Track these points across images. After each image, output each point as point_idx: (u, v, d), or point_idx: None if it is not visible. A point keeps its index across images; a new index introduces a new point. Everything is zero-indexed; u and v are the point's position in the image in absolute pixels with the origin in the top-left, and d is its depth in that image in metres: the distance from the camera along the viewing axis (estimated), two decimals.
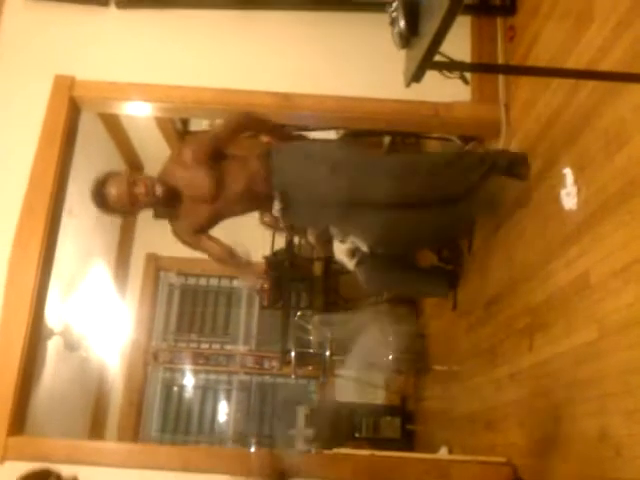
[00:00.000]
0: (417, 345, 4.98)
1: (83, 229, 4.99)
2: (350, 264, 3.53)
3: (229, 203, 3.01)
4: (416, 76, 1.89)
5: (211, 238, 3.08)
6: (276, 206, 2.98)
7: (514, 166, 3.08)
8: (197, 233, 3.03)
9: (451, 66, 1.98)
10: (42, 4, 3.70)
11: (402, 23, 1.83)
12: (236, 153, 3.11)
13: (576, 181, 2.55)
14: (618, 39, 2.31)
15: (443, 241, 3.72)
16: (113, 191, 2.86)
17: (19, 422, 3.14)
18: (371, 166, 3.13)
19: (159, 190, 2.90)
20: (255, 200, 3.07)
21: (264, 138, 4.58)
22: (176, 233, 3.06)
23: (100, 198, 2.89)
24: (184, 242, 3.08)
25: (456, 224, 3.34)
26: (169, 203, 2.98)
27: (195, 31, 3.69)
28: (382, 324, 3.63)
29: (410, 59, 1.94)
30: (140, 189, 2.88)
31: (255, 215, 4.26)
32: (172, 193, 2.95)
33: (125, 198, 2.86)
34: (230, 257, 3.13)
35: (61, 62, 3.59)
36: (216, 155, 3.01)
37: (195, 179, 2.96)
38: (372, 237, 3.13)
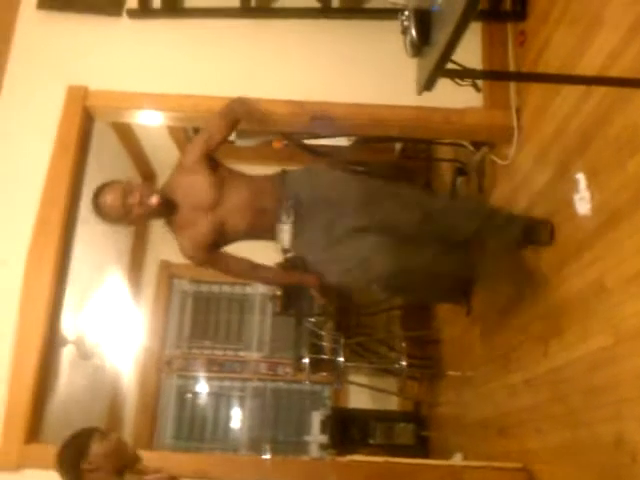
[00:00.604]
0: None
1: (97, 237, 5.01)
2: None
3: (231, 213, 2.92)
4: (428, 84, 1.89)
5: (226, 254, 3.05)
6: (284, 220, 2.91)
7: (531, 234, 2.98)
8: (205, 248, 2.95)
9: (463, 74, 1.99)
10: (55, 15, 3.73)
11: (414, 32, 1.84)
12: (242, 173, 3.10)
13: (589, 186, 2.55)
14: (629, 45, 2.30)
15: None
16: (108, 200, 2.84)
17: (35, 430, 3.17)
18: (381, 192, 3.06)
19: (154, 200, 2.85)
20: (260, 215, 2.96)
21: (276, 144, 4.61)
22: (184, 251, 2.99)
23: (97, 207, 2.88)
24: (197, 260, 3.02)
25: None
26: (166, 213, 2.94)
27: (207, 40, 3.70)
28: None
29: (422, 68, 1.95)
30: (134, 199, 2.83)
31: None
32: (168, 203, 2.91)
33: (119, 208, 2.84)
34: (253, 270, 3.12)
35: (74, 72, 3.61)
36: (213, 151, 3.01)
37: (194, 183, 2.93)
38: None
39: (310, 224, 2.94)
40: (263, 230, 3.00)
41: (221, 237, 2.95)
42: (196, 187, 2.93)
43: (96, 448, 2.27)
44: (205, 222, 2.90)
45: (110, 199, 2.84)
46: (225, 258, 3.05)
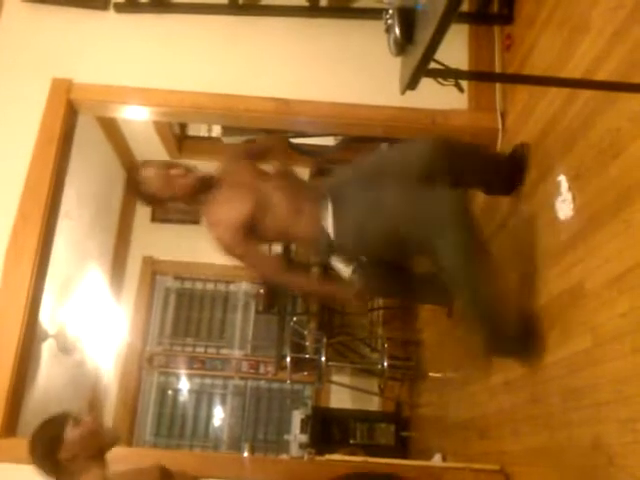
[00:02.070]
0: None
1: (79, 232, 4.99)
2: (346, 272, 3.53)
3: (275, 190, 2.86)
4: (411, 83, 1.89)
5: (261, 249, 3.01)
6: (328, 207, 2.83)
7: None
8: (243, 228, 2.80)
9: (445, 74, 1.98)
10: (40, 7, 3.70)
11: (397, 30, 1.84)
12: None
13: (571, 189, 2.56)
14: (614, 49, 2.31)
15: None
16: (151, 172, 2.87)
17: (12, 424, 3.14)
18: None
19: (198, 174, 2.90)
20: (303, 200, 2.88)
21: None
22: (220, 231, 2.83)
23: (135, 181, 2.91)
24: (231, 242, 2.83)
25: None
26: (206, 191, 2.91)
27: (193, 36, 3.70)
28: None
29: (405, 66, 1.94)
30: (179, 171, 2.87)
31: None
32: (209, 180, 2.92)
33: (162, 179, 2.85)
34: (286, 272, 3.05)
35: (59, 65, 3.60)
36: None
37: (238, 166, 2.98)
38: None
39: (350, 200, 2.86)
40: (305, 216, 2.87)
41: (262, 216, 2.84)
42: (240, 168, 2.97)
43: (71, 434, 2.13)
44: (249, 195, 2.84)
45: (154, 171, 2.87)
46: (260, 251, 2.98)
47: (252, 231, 2.84)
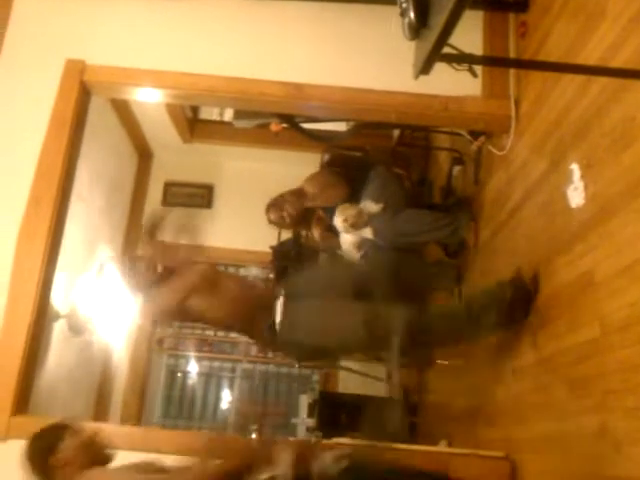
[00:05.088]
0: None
1: (91, 213, 5.02)
2: (356, 255, 3.55)
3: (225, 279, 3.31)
4: (425, 68, 1.88)
5: None
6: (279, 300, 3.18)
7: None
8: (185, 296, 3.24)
9: (460, 58, 1.98)
10: None
11: (412, 14, 1.83)
12: None
13: (583, 177, 2.55)
14: (629, 36, 2.30)
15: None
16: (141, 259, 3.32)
17: (23, 402, 3.17)
18: None
19: (160, 267, 3.28)
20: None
21: (274, 127, 4.59)
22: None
23: (128, 267, 3.43)
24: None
25: None
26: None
27: (208, 18, 3.69)
28: None
29: (419, 51, 1.94)
30: (141, 265, 3.29)
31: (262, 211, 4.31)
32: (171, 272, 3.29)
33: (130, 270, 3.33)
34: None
35: (72, 46, 3.60)
36: None
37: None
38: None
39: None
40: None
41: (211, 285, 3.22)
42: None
43: (66, 444, 2.21)
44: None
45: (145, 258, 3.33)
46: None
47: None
